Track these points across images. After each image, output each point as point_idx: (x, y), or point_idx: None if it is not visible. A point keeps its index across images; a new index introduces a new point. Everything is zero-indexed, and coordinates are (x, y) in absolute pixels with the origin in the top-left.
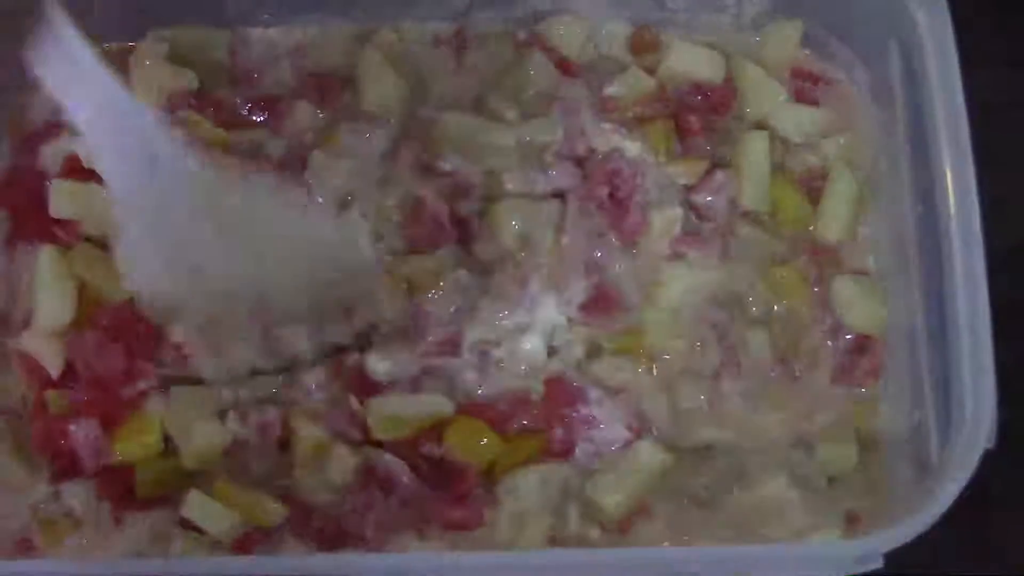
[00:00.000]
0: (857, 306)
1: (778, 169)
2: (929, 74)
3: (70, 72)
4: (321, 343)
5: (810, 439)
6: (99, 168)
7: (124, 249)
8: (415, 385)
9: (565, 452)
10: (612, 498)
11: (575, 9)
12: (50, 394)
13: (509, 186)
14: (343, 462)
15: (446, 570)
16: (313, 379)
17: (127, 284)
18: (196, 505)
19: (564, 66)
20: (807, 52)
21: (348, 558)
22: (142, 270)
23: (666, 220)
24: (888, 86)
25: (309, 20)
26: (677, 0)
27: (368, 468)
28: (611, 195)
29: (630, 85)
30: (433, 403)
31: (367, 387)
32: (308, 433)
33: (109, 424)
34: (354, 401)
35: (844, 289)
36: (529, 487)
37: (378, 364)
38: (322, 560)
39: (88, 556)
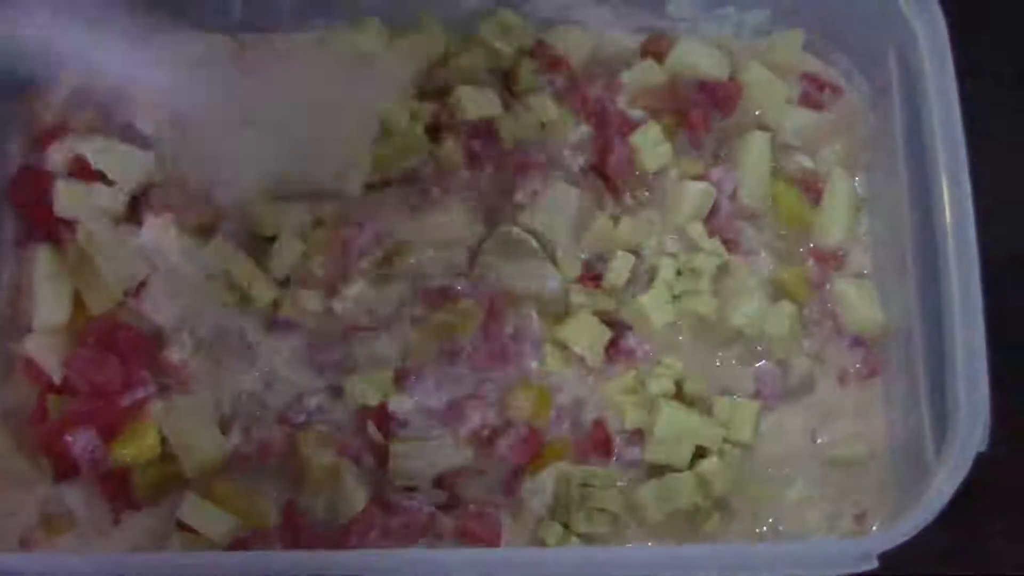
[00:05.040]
0: (855, 308)
1: (777, 170)
2: (926, 81)
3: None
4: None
5: (822, 442)
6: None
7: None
8: (434, 418)
9: (607, 453)
10: (659, 505)
11: (579, 19)
12: (51, 399)
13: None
14: (354, 495)
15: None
16: (315, 402)
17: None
18: (193, 509)
19: (568, 71)
20: (809, 58)
21: (342, 556)
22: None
23: (699, 194)
24: (886, 93)
25: (315, 27)
26: (680, 10)
27: (379, 497)
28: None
29: (642, 74)
30: (451, 454)
31: (385, 417)
32: (319, 460)
33: (108, 431)
34: (373, 429)
35: (843, 291)
36: (554, 486)
37: (400, 403)
38: (317, 558)
39: (86, 553)
